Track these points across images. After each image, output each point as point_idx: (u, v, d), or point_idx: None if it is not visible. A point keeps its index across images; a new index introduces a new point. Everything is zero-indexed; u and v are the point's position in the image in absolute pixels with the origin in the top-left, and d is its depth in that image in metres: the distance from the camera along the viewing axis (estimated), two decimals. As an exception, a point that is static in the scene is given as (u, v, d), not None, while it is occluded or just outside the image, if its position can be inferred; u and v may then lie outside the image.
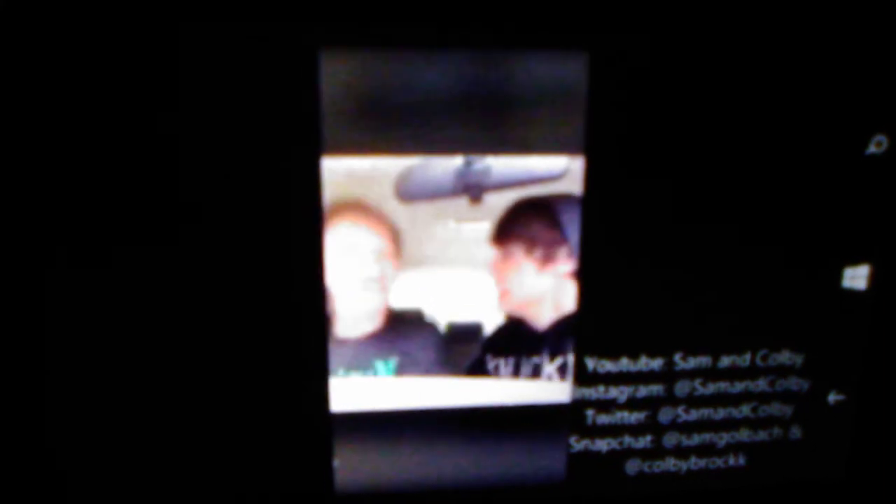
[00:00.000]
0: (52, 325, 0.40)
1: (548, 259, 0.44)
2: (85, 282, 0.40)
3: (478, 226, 0.42)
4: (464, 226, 0.42)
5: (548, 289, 0.44)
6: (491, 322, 0.44)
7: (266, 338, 0.42)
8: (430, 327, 0.44)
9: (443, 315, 0.44)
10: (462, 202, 0.41)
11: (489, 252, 0.43)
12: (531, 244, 0.43)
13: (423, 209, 0.41)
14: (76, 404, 0.42)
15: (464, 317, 0.44)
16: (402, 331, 0.43)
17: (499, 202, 0.42)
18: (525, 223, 0.43)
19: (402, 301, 0.43)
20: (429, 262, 0.42)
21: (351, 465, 0.45)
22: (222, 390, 0.43)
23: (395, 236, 0.41)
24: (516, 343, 0.45)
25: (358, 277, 0.42)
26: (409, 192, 0.40)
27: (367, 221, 0.41)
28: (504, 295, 0.44)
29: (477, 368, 0.45)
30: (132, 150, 0.38)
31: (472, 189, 0.41)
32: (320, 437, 0.44)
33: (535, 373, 0.45)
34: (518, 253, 0.43)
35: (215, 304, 0.41)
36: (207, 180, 0.39)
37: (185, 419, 0.43)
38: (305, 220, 0.40)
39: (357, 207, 0.41)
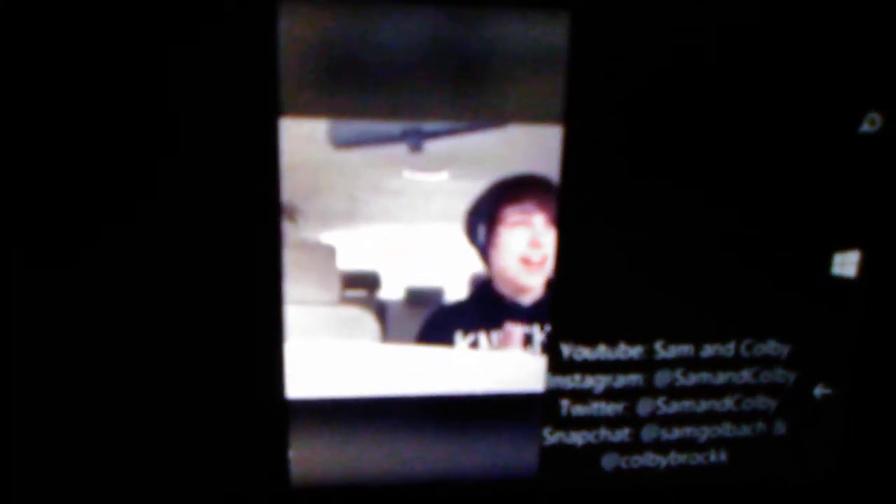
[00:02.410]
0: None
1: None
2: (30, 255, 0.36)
3: (433, 177, 0.39)
4: (418, 176, 0.39)
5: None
6: (453, 287, 0.41)
7: (218, 315, 0.39)
8: None
9: (398, 279, 0.41)
10: (401, 150, 0.38)
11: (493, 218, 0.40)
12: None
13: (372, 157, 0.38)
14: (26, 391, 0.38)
15: (424, 281, 0.41)
16: None
17: (441, 150, 0.39)
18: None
19: (355, 264, 0.40)
20: (380, 217, 0.39)
21: (307, 457, 0.42)
22: (171, 373, 0.39)
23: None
24: (496, 317, 0.42)
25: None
26: (343, 137, 0.37)
27: None
28: (543, 262, 0.41)
29: (437, 340, 0.42)
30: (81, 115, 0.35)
31: (411, 136, 0.38)
32: (275, 426, 0.41)
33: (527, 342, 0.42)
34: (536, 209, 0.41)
35: (165, 277, 0.38)
36: (161, 142, 0.36)
37: (132, 404, 0.39)
38: (263, 184, 0.37)
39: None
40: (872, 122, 0.41)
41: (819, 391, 0.46)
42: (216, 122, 0.36)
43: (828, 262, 0.43)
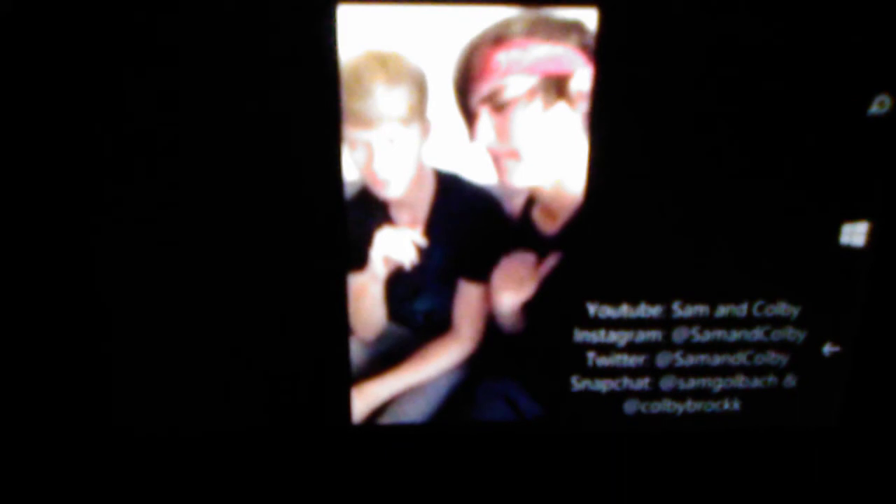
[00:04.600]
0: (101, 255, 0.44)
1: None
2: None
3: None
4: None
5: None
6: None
7: (283, 249, 0.45)
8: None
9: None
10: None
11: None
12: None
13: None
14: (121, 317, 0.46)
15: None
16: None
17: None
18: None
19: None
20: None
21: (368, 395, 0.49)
22: (241, 306, 0.46)
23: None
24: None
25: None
26: None
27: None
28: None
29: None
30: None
31: None
32: (338, 363, 0.48)
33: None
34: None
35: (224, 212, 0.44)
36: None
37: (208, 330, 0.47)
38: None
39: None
40: (882, 104, 0.44)
41: (828, 349, 0.50)
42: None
43: (837, 232, 0.47)
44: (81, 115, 0.41)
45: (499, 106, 0.43)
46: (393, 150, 0.43)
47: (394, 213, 0.45)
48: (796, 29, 0.42)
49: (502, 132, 0.43)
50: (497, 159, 0.44)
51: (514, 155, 0.44)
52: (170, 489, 0.50)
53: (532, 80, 0.43)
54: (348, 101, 0.42)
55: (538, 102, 0.43)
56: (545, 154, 0.44)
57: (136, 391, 0.48)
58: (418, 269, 0.46)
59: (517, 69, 0.42)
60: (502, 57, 0.42)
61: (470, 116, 0.43)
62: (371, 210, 0.44)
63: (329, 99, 0.42)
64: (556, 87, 0.43)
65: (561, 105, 0.43)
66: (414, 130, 0.43)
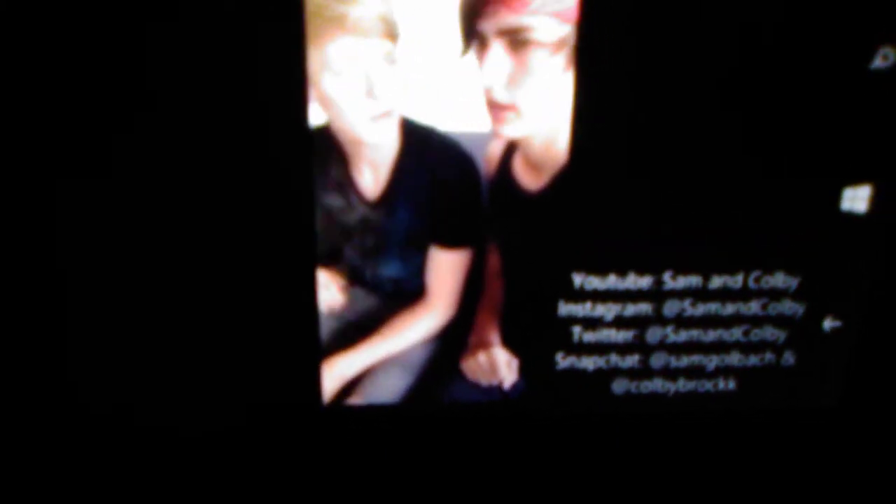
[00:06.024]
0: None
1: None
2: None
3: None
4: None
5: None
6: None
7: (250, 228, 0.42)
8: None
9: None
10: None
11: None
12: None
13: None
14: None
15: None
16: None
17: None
18: None
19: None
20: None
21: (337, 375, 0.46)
22: (207, 285, 0.43)
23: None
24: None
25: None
26: None
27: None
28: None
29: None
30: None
31: None
32: (308, 341, 0.45)
33: None
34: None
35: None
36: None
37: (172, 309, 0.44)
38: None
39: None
40: (885, 58, 0.41)
41: (829, 324, 0.47)
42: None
43: (838, 197, 0.44)
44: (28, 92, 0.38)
45: (519, 44, 0.38)
46: (394, 72, 0.38)
47: (353, 172, 0.41)
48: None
49: (514, 77, 0.39)
50: (494, 107, 0.40)
51: (515, 109, 0.40)
52: (136, 480, 0.47)
53: (565, 29, 0.38)
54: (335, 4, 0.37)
55: (562, 58, 0.39)
56: (547, 108, 0.40)
57: (98, 382, 0.44)
58: (377, 232, 0.42)
59: (550, 9, 0.38)
60: None
61: (478, 41, 0.38)
62: (329, 171, 0.41)
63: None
64: None
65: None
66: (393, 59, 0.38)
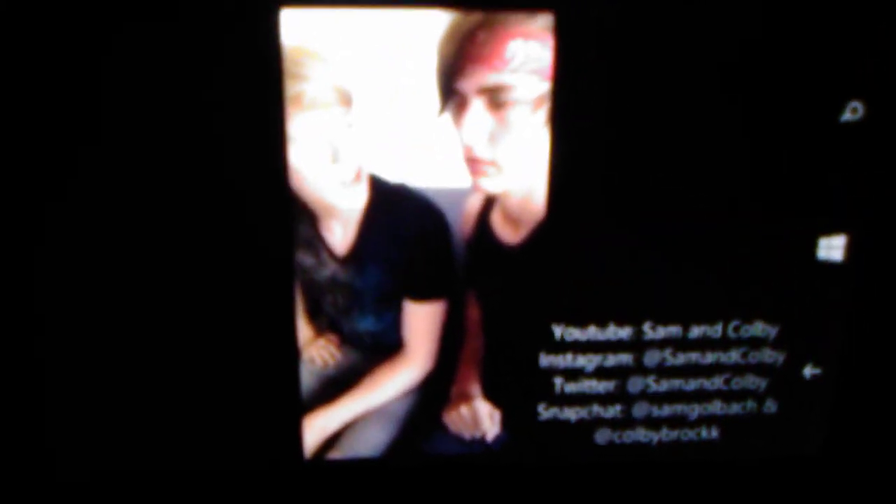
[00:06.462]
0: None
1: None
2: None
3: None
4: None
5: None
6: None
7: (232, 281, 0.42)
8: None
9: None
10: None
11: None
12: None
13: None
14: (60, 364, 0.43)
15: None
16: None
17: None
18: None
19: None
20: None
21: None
22: (190, 340, 0.43)
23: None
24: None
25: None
26: None
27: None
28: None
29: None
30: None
31: None
32: (289, 396, 0.45)
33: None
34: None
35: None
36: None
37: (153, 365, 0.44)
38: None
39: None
40: (854, 111, 0.42)
41: (809, 371, 0.47)
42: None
43: (814, 246, 0.45)
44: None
45: (499, 102, 0.38)
46: (355, 136, 0.38)
47: (323, 230, 0.42)
48: (766, 35, 0.41)
49: (494, 134, 0.39)
50: (474, 163, 0.40)
51: (496, 164, 0.40)
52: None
53: (545, 87, 0.39)
54: (291, 84, 0.37)
55: (542, 114, 0.39)
56: (526, 163, 0.41)
57: (72, 427, 0.44)
58: (348, 288, 0.42)
59: (530, 67, 0.38)
60: (517, 47, 0.38)
61: (457, 99, 0.38)
62: (299, 229, 0.41)
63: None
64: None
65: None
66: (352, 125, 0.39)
